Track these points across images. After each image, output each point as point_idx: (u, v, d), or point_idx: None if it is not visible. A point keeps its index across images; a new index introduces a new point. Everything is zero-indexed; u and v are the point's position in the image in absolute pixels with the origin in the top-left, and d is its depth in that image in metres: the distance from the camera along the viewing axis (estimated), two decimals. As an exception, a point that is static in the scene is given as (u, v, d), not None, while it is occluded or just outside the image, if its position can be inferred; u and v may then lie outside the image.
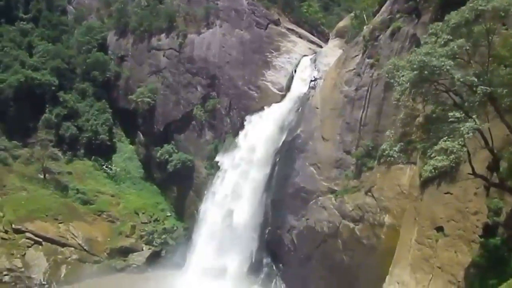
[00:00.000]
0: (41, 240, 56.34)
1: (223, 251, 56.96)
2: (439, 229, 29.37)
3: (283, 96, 59.46)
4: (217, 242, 57.90)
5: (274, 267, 55.96)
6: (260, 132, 58.19)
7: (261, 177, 56.68)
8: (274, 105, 59.21)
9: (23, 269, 53.29)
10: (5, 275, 51.88)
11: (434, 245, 29.22)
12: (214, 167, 63.80)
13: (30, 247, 55.48)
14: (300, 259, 51.94)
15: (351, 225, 45.48)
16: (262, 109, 60.49)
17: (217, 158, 62.62)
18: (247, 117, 61.51)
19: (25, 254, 54.66)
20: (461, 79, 21.15)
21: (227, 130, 64.71)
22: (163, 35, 72.95)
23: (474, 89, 21.02)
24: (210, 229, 59.18)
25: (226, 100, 65.06)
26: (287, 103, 57.98)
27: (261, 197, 56.60)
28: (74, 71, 76.70)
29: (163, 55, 72.35)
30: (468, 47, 21.53)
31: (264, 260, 56.61)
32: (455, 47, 21.29)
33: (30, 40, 77.88)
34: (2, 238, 54.85)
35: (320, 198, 49.76)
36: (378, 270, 37.17)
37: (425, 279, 29.04)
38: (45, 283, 53.69)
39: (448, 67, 20.85)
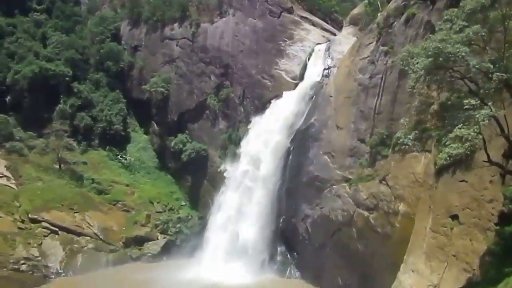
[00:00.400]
0: (57, 229, 57.00)
1: (238, 240, 57.24)
2: (454, 217, 29.18)
3: (297, 85, 59.16)
4: (232, 230, 58.20)
5: (288, 256, 56.19)
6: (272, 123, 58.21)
7: (273, 171, 56.72)
8: (286, 94, 59.05)
9: (39, 258, 53.96)
10: (22, 263, 52.52)
11: (449, 233, 29.05)
12: (228, 156, 64.01)
13: (46, 236, 56.14)
14: (315, 247, 52.03)
15: (366, 213, 45.36)
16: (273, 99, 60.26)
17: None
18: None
19: (41, 243, 55.33)
20: (477, 66, 20.86)
21: (241, 119, 64.72)
22: (176, 25, 72.98)
23: (490, 75, 20.72)
24: (225, 216, 59.46)
25: (240, 89, 64.98)
26: (300, 92, 57.70)
27: (275, 186, 56.69)
28: (88, 62, 77.21)
29: (176, 45, 72.41)
30: (483, 33, 21.18)
31: (279, 249, 56.80)
32: (471, 33, 20.97)
33: (44, 31, 78.46)
34: (19, 228, 55.51)
35: (334, 186, 49.68)
36: (392, 259, 37.15)
37: (440, 268, 28.93)
38: (61, 271, 54.31)
39: (463, 54, 20.56)
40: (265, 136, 58.46)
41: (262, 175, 57.52)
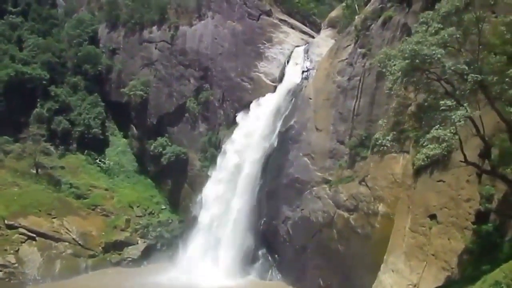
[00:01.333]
0: (34, 235, 56.06)
1: (218, 242, 57.13)
2: (432, 216, 29.63)
3: (276, 87, 59.29)
4: (213, 233, 58.07)
5: (269, 258, 56.21)
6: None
7: (255, 170, 56.79)
8: (267, 96, 59.15)
9: (16, 265, 53.04)
10: (-1, 271, 51.76)
11: (428, 233, 29.46)
12: (208, 159, 63.86)
13: (23, 242, 55.18)
14: (296, 249, 52.20)
15: (346, 214, 45.70)
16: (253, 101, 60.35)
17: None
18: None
19: (18, 249, 54.36)
20: (452, 68, 21.20)
21: (220, 122, 64.57)
22: (154, 28, 72.53)
23: (465, 77, 21.07)
24: (206, 219, 59.31)
25: (219, 92, 64.87)
26: (279, 94, 57.87)
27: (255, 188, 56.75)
28: (65, 65, 76.10)
29: (155, 48, 71.96)
30: (458, 36, 21.55)
31: (260, 251, 56.81)
32: (446, 35, 21.32)
33: (20, 34, 77.03)
34: (-5, 234, 54.64)
35: (314, 188, 49.93)
36: (373, 259, 37.48)
37: (419, 267, 29.31)
38: (39, 278, 53.39)
39: (439, 56, 20.89)
40: (245, 139, 58.43)
41: (242, 179, 57.50)
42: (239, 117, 61.11)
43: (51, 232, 57.19)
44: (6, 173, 62.88)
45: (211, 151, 63.63)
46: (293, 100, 55.82)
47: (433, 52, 20.86)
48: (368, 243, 42.28)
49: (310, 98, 52.45)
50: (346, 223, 45.64)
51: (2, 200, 58.27)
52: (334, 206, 47.06)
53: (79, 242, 58.05)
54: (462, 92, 21.57)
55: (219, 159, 61.40)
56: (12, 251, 53.82)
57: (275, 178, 54.83)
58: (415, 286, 29.14)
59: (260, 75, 61.16)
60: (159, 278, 54.39)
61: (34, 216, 57.80)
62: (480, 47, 21.57)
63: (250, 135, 57.96)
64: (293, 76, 57.87)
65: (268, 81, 60.35)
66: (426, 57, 21.03)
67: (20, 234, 55.64)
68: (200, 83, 66.96)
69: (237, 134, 59.92)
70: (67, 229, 58.41)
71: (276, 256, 55.47)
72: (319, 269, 49.12)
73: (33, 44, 75.23)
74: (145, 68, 72.83)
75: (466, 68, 21.15)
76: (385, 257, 33.63)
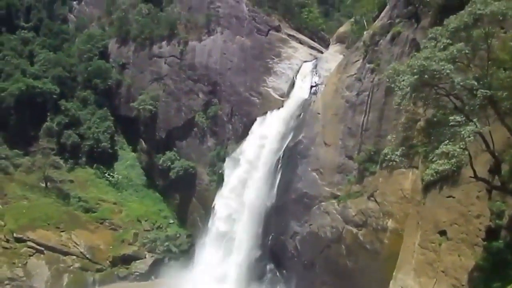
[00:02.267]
0: (42, 248, 56.29)
1: (227, 258, 56.88)
2: (442, 233, 29.29)
3: (285, 102, 59.42)
4: (221, 249, 57.86)
5: (277, 273, 55.75)
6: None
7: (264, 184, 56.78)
8: (274, 112, 59.26)
9: (24, 278, 53.24)
10: (7, 284, 51.86)
11: (438, 249, 29.13)
12: (216, 174, 63.88)
13: (31, 256, 55.44)
14: (304, 264, 51.77)
15: (354, 230, 45.33)
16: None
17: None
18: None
19: (26, 263, 54.63)
20: (461, 83, 21.15)
21: (229, 137, 64.74)
22: (164, 43, 73.15)
23: (474, 92, 21.02)
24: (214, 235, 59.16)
25: (228, 107, 65.13)
26: (288, 109, 57.97)
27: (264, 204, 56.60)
28: (75, 79, 76.94)
29: (165, 63, 72.54)
30: (467, 51, 21.54)
31: (268, 266, 56.44)
32: (455, 51, 21.31)
33: (31, 48, 78.17)
34: (4, 247, 54.81)
35: (323, 203, 49.64)
36: (381, 275, 37.08)
37: (429, 284, 28.93)
38: (47, 291, 53.62)
39: (448, 71, 20.86)
40: (254, 154, 58.47)
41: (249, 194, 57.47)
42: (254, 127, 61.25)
43: (59, 246, 57.38)
44: (15, 186, 63.35)
45: (220, 165, 63.65)
46: (301, 115, 55.85)
47: (442, 67, 20.84)
48: (377, 259, 41.85)
49: (319, 113, 52.43)
50: (354, 238, 45.26)
51: (11, 213, 58.67)
52: (343, 222, 46.72)
53: (87, 255, 58.12)
54: (472, 108, 21.49)
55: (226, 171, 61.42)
56: (20, 264, 54.10)
57: (283, 193, 54.65)
58: (425, 303, 28.79)
59: (269, 90, 61.41)
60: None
61: (42, 230, 58.09)
62: (489, 62, 21.55)
63: (259, 150, 58.04)
64: (301, 91, 58.00)
65: (276, 96, 60.55)
66: (435, 73, 21.01)
67: (28, 247, 55.92)
68: (209, 97, 67.30)
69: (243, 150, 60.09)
70: (75, 242, 58.55)
71: (284, 271, 55.02)
72: (327, 285, 48.63)
73: (44, 58, 76.25)
74: (155, 83, 73.33)
75: (476, 83, 21.10)
76: (394, 273, 33.25)
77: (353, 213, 45.58)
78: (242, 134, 62.52)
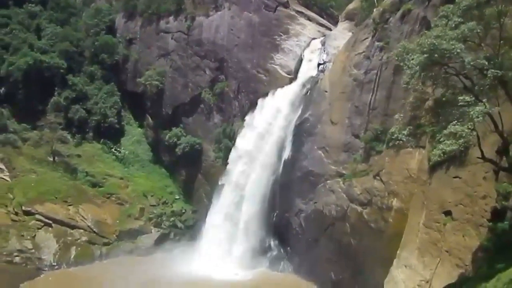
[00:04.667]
0: (51, 222, 56.87)
1: (231, 233, 57.36)
2: (447, 213, 29.41)
3: (292, 79, 59.11)
4: (227, 225, 58.32)
5: (281, 250, 56.36)
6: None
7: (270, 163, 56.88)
8: (281, 89, 59.00)
9: (33, 250, 53.92)
10: (16, 256, 52.56)
11: (442, 229, 29.27)
12: (222, 150, 64.03)
13: (40, 229, 56.05)
14: (308, 242, 52.22)
15: (359, 208, 45.56)
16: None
17: None
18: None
19: (35, 235, 55.25)
20: (472, 63, 20.87)
21: (235, 114, 64.61)
22: (171, 18, 72.55)
23: (485, 72, 20.77)
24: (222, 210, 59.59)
25: (235, 84, 64.83)
26: (295, 87, 57.67)
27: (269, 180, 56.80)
28: (82, 54, 76.69)
29: (172, 38, 72.06)
30: (479, 30, 21.22)
31: (272, 243, 56.96)
32: (466, 30, 21.00)
33: (39, 22, 77.74)
34: (13, 220, 55.41)
35: (328, 181, 49.82)
36: (385, 254, 37.36)
37: (432, 263, 29.15)
38: (55, 264, 54.26)
39: (458, 50, 20.59)
40: (260, 131, 58.49)
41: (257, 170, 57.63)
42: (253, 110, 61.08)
43: (67, 219, 57.95)
44: (24, 160, 63.75)
45: (225, 142, 63.73)
46: (308, 93, 55.60)
47: (453, 46, 20.56)
48: (381, 238, 42.11)
49: (326, 91, 52.19)
50: (359, 217, 45.50)
51: (20, 186, 59.17)
52: (348, 200, 46.93)
53: (94, 229, 58.72)
54: (481, 88, 21.29)
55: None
56: (29, 237, 54.71)
57: (289, 170, 54.77)
58: (427, 282, 29.01)
59: (276, 67, 60.94)
60: (173, 267, 54.76)
61: (50, 203, 58.60)
62: (501, 42, 21.24)
63: (265, 127, 58.02)
64: (309, 69, 57.59)
65: (283, 73, 60.12)
66: (445, 52, 20.74)
67: (36, 220, 56.50)
68: (215, 74, 66.98)
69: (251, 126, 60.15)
70: (82, 216, 59.11)
71: (288, 248, 55.58)
72: (331, 263, 49.09)
73: (51, 33, 75.92)
74: (161, 58, 73.03)
75: (486, 63, 20.82)
76: (398, 252, 33.49)
77: (358, 192, 45.75)
78: (248, 111, 62.36)
